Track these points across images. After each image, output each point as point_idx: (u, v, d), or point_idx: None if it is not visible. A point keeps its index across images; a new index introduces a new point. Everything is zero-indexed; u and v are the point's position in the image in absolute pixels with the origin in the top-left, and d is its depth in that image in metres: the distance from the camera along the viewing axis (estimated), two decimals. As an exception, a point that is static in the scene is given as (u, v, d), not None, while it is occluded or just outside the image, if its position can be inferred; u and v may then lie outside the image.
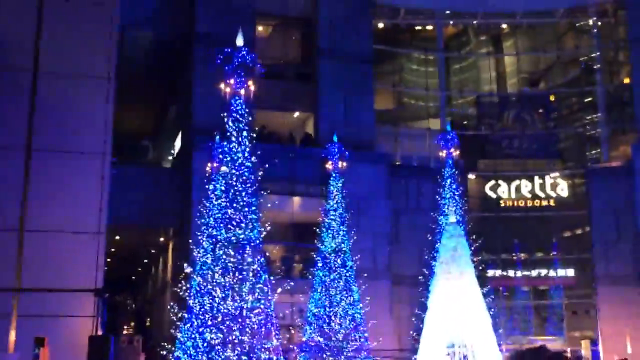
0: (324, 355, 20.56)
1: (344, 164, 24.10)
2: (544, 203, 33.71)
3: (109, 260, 25.48)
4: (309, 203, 28.25)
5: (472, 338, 22.60)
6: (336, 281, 22.04)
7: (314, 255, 23.24)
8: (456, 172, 26.18)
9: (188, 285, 17.21)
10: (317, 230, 23.50)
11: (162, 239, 32.69)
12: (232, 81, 17.86)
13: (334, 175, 23.88)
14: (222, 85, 18.14)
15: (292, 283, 22.19)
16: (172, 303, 18.61)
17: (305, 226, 26.84)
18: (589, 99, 36.37)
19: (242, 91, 18.08)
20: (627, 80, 34.56)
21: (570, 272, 32.32)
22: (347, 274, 22.40)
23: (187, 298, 16.80)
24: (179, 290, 17.93)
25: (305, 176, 27.99)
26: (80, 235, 17.51)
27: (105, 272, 18.58)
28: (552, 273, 32.29)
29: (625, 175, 30.75)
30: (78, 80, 18.39)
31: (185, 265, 17.96)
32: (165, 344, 18.20)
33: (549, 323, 31.61)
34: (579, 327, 31.65)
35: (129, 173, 26.95)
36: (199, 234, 17.71)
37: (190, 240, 19.47)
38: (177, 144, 33.08)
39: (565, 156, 36.08)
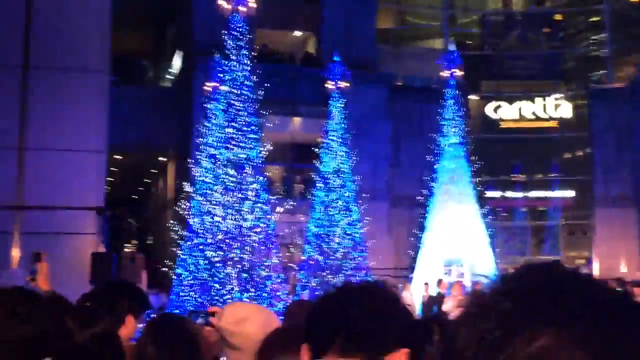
0: (323, 273, 20.94)
1: (346, 84, 23.88)
2: (546, 124, 33.57)
3: (110, 179, 25.66)
4: (309, 123, 28.16)
5: (469, 256, 22.99)
6: (336, 201, 22.22)
7: (314, 176, 23.34)
8: (458, 93, 25.97)
9: (189, 205, 17.36)
10: (318, 150, 23.52)
11: (162, 159, 32.77)
12: (231, -2, 17.50)
13: (334, 95, 23.70)
14: (221, 2, 17.78)
15: (292, 203, 22.40)
16: (173, 222, 18.84)
17: (305, 147, 26.83)
18: (596, 18, 35.67)
19: (243, 8, 17.74)
20: (634, -1, 33.86)
21: (570, 194, 32.50)
22: (347, 195, 22.55)
23: (188, 217, 16.98)
24: (179, 210, 18.11)
25: (306, 96, 27.78)
26: (81, 154, 17.53)
27: (106, 191, 18.72)
28: (551, 194, 32.50)
29: (629, 96, 30.49)
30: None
31: (186, 184, 18.06)
32: (167, 261, 18.52)
33: (545, 243, 32.02)
34: (575, 247, 32.09)
35: (128, 93, 26.77)
36: (198, 153, 17.73)
37: (191, 160, 19.51)
38: (176, 63, 32.69)
39: (569, 77, 35.68)
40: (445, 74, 26.06)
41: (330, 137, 23.08)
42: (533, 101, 33.68)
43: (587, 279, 0.83)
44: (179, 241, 17.15)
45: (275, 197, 20.19)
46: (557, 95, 33.89)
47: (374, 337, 1.61)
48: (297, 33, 32.27)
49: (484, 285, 0.89)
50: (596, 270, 24.10)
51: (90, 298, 3.88)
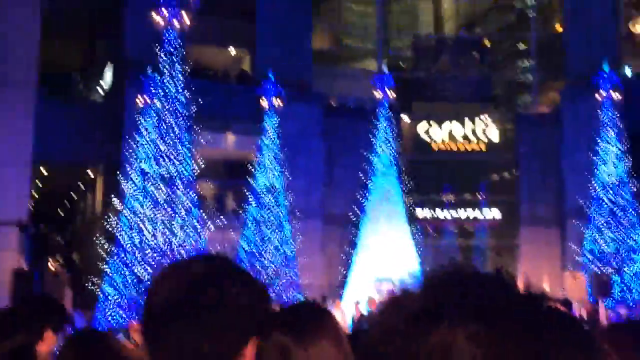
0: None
1: (280, 102, 23.96)
2: (475, 147, 34.42)
3: (36, 195, 24.89)
4: (243, 140, 28.05)
5: (400, 274, 23.24)
6: (268, 218, 22.17)
7: (247, 193, 23.25)
8: (391, 113, 26.39)
9: (117, 220, 17.00)
10: (251, 167, 23.45)
11: (91, 175, 32.02)
12: (165, 12, 17.36)
13: (269, 113, 23.73)
14: (155, 17, 17.62)
15: (224, 219, 22.22)
16: (101, 238, 18.40)
17: (239, 163, 26.71)
18: (523, 46, 36.93)
19: (176, 23, 17.62)
20: (559, 29, 35.20)
21: (496, 214, 33.36)
22: (280, 212, 22.54)
23: (117, 233, 16.62)
24: (108, 225, 17.71)
25: (240, 113, 27.68)
26: (5, 169, 16.98)
27: (32, 206, 18.15)
28: (478, 214, 33.27)
29: (553, 122, 31.59)
30: (3, 8, 17.53)
31: (115, 200, 17.70)
32: (94, 278, 18.04)
33: (473, 262, 32.70)
34: (500, 265, 32.91)
35: (58, 107, 26.10)
36: (129, 168, 17.43)
37: (120, 174, 19.14)
38: (108, 77, 32.11)
39: (497, 101, 36.75)
40: (378, 94, 26.47)
41: (263, 154, 23.07)
42: (462, 124, 34.50)
43: (495, 282, 0.85)
44: (106, 258, 16.76)
45: (206, 214, 20.00)
46: (485, 119, 34.83)
47: None
48: (232, 50, 32.20)
49: (398, 287, 0.91)
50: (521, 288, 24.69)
51: (7, 312, 3.75)
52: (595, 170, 24.88)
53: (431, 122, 34.50)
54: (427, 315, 0.80)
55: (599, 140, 25.02)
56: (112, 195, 18.89)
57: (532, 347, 0.76)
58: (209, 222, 19.46)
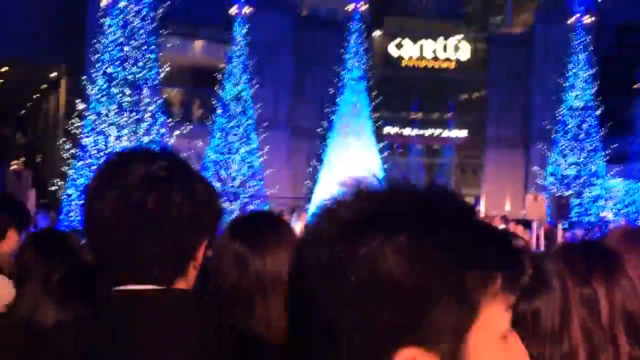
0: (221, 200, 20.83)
1: (250, 9, 23.33)
2: (445, 65, 34.24)
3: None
4: (211, 47, 27.46)
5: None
6: (236, 128, 21.98)
7: (215, 102, 22.92)
8: (362, 27, 25.94)
9: (81, 123, 16.66)
10: (219, 76, 23.03)
11: (54, 74, 31.16)
12: None
13: (239, 20, 23.13)
14: None
15: (190, 127, 21.96)
16: (64, 140, 18.08)
17: (207, 71, 26.20)
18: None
19: None
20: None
21: (463, 133, 33.59)
22: (247, 122, 22.34)
23: (80, 136, 16.32)
24: (71, 128, 17.37)
25: (209, 19, 26.91)
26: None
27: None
28: (446, 133, 33.46)
29: (525, 43, 31.47)
30: None
31: (79, 102, 17.27)
32: (57, 180, 17.83)
33: (438, 180, 33.04)
34: (466, 185, 33.34)
35: (17, 2, 25.02)
36: (93, 70, 16.95)
37: (85, 77, 18.62)
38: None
39: (470, 20, 36.33)
40: (350, 7, 25.94)
41: (232, 63, 22.62)
42: (435, 41, 34.17)
43: (431, 196, 0.86)
44: (70, 160, 16.51)
45: (173, 121, 19.72)
46: (458, 37, 34.51)
47: None
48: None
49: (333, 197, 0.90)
50: (483, 207, 25.24)
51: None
52: (563, 93, 25.01)
53: (403, 37, 34.09)
54: (357, 225, 0.80)
55: (568, 64, 25.04)
56: (76, 98, 18.42)
57: (454, 258, 0.78)
58: (175, 129, 19.22)
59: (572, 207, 21.03)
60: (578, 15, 25.01)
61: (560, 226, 19.16)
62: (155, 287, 1.28)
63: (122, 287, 1.29)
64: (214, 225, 1.38)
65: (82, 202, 1.34)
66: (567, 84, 24.98)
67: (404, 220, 0.80)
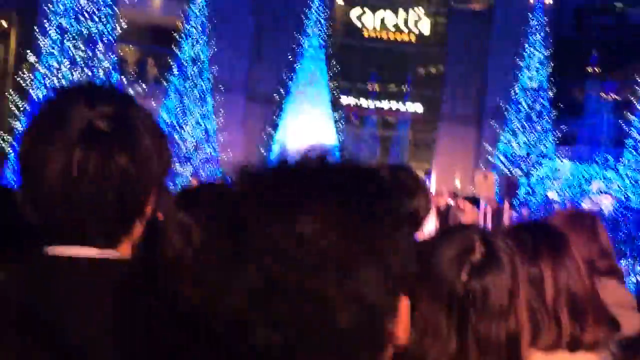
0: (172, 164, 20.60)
1: (211, -32, 22.88)
2: (405, 38, 34.29)
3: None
4: (170, 5, 26.88)
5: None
6: (191, 90, 21.66)
7: (170, 61, 22.52)
8: (325, -7, 25.75)
9: (32, 76, 16.20)
10: (177, 35, 22.60)
11: (3, 22, 30.12)
12: None
13: (199, -22, 22.67)
14: None
15: (145, 87, 21.57)
16: (13, 92, 17.56)
17: (164, 30, 25.67)
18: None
19: None
20: None
21: (419, 108, 33.82)
22: (203, 84, 22.04)
23: (30, 89, 15.88)
24: (20, 80, 16.88)
25: (168, -24, 26.35)
26: None
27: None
28: (401, 107, 33.63)
29: (484, 20, 31.69)
30: None
31: (29, 53, 16.75)
32: (4, 133, 17.36)
33: (391, 153, 33.35)
34: (418, 159, 33.67)
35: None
36: (46, 22, 16.43)
37: (36, 29, 18.04)
38: None
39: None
40: (313, -28, 25.68)
41: (190, 23, 22.20)
42: (396, 13, 34.15)
43: (342, 165, 0.88)
44: (18, 113, 16.07)
45: (127, 79, 19.33)
46: (418, 10, 34.55)
47: None
48: None
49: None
50: (434, 182, 25.54)
51: None
52: (518, 73, 25.33)
53: (365, 8, 33.96)
54: (291, 203, 0.80)
55: (525, 44, 25.33)
56: (27, 49, 17.86)
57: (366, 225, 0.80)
58: (129, 88, 18.86)
59: (520, 187, 21.48)
60: (537, -4, 25.27)
61: (507, 205, 19.57)
62: (91, 252, 1.23)
63: (56, 251, 1.23)
64: (162, 177, 1.32)
65: (18, 151, 1.26)
66: (522, 63, 25.30)
67: (329, 194, 0.81)
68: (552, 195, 22.84)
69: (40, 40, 16.41)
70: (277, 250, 0.77)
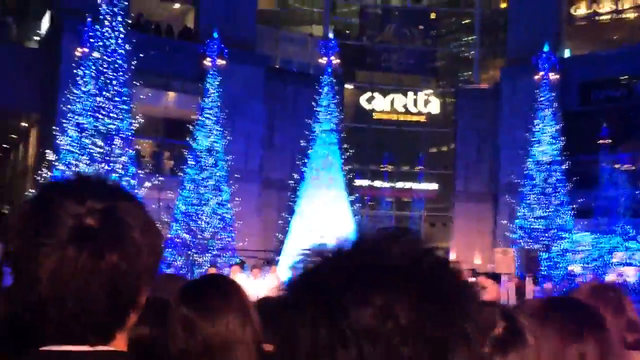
0: (189, 252, 20.62)
1: (223, 62, 23.58)
2: (415, 118, 34.78)
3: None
4: (184, 99, 27.55)
5: (336, 241, 23.40)
6: (207, 180, 21.93)
7: (186, 153, 22.91)
8: (334, 80, 26.32)
9: (50, 174, 16.50)
10: (191, 127, 23.08)
11: (24, 124, 30.93)
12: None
13: (211, 72, 23.34)
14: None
15: (161, 179, 21.87)
16: (32, 191, 17.84)
17: (179, 122, 26.23)
18: (467, 20, 37.28)
19: (120, -27, 17.03)
20: (503, 6, 35.65)
21: (433, 186, 33.91)
22: (218, 174, 22.31)
23: (49, 186, 16.13)
24: (40, 178, 17.18)
25: (182, 71, 27.11)
26: None
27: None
28: (415, 186, 33.76)
29: (492, 97, 32.13)
30: None
31: (48, 152, 17.14)
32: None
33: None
34: (435, 238, 33.44)
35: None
36: (64, 121, 16.88)
37: (56, 127, 18.53)
38: (45, 24, 30.87)
39: (439, 74, 37.14)
40: (323, 60, 26.34)
41: (204, 115, 22.72)
42: (405, 95, 34.78)
43: (407, 242, 0.89)
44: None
45: (144, 172, 19.62)
46: (427, 91, 35.18)
47: None
48: (177, 5, 31.40)
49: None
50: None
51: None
52: (530, 148, 25.49)
53: (374, 91, 34.64)
54: (361, 282, 0.82)
55: (535, 119, 25.59)
56: (46, 148, 18.28)
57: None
58: (146, 181, 19.13)
59: (541, 261, 21.24)
60: (542, 73, 25.69)
61: (529, 279, 19.30)
62: (85, 348, 1.22)
63: (49, 347, 1.22)
64: (155, 268, 1.30)
65: (8, 253, 1.24)
66: (533, 138, 25.48)
67: (405, 275, 0.83)
68: (573, 268, 22.53)
69: (60, 138, 16.80)
70: (376, 334, 0.78)
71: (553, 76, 25.86)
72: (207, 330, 1.99)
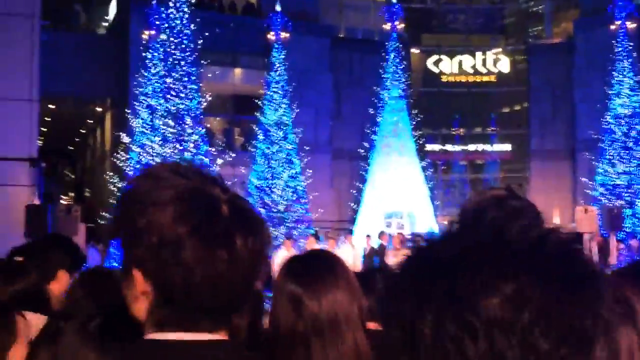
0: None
1: (287, 35, 23.56)
2: (485, 79, 33.95)
3: (44, 129, 24.83)
4: (250, 75, 27.74)
5: (409, 208, 23.30)
6: (277, 154, 22.10)
7: (256, 128, 23.11)
8: (400, 45, 25.95)
9: (127, 156, 16.96)
10: (259, 102, 23.25)
11: (99, 109, 31.87)
12: (169, -59, 16.89)
13: (276, 46, 23.37)
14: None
15: (233, 155, 22.17)
16: (111, 174, 18.41)
17: (246, 98, 26.48)
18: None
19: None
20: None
21: (507, 147, 33.18)
22: (289, 147, 22.45)
23: (126, 168, 16.60)
24: (117, 161, 17.69)
25: (247, 47, 27.27)
26: (13, 103, 16.81)
27: (41, 141, 18.10)
28: (489, 148, 33.10)
29: (566, 52, 31.02)
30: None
31: (124, 135, 17.60)
32: (105, 214, 18.14)
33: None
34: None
35: (61, 39, 25.72)
36: (136, 103, 17.28)
37: (128, 111, 18.99)
38: (112, 9, 31.56)
39: (509, 32, 36.03)
40: (387, 26, 25.98)
41: (271, 89, 22.83)
42: (473, 55, 33.97)
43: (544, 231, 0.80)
44: (117, 193, 16.78)
45: (215, 149, 19.93)
46: (496, 50, 34.24)
47: None
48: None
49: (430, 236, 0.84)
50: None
51: (21, 252, 3.70)
52: (608, 101, 24.52)
53: (441, 54, 33.98)
54: (488, 271, 0.75)
55: (612, 72, 24.57)
56: (121, 131, 18.78)
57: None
58: (218, 158, 19.42)
59: (625, 218, 20.50)
60: (619, 22, 24.56)
61: (613, 237, 18.69)
62: (206, 336, 1.21)
63: (168, 336, 1.20)
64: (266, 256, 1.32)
65: (147, 226, 1.19)
66: (612, 91, 24.50)
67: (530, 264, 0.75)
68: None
69: (133, 121, 17.22)
70: (509, 325, 0.72)
71: (630, 25, 24.68)
72: (315, 307, 1.93)
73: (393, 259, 14.78)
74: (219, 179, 1.29)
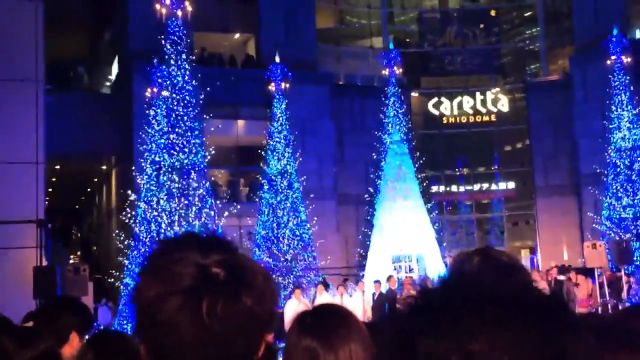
0: (274, 276, 20.84)
1: (287, 85, 23.87)
2: (486, 118, 34.19)
3: (50, 190, 25.04)
4: (253, 126, 28.02)
5: (417, 251, 23.23)
6: (283, 203, 22.18)
7: (260, 178, 23.25)
8: (399, 90, 26.25)
9: (133, 213, 17.06)
10: (262, 152, 23.44)
11: (104, 167, 32.13)
12: (167, 1, 17.28)
13: (277, 96, 23.67)
14: (157, 6, 17.55)
15: (238, 207, 22.25)
16: (118, 231, 18.49)
17: (250, 149, 26.69)
18: (529, 13, 36.50)
19: (179, 12, 17.55)
20: (566, -6, 34.74)
21: (511, 185, 33.21)
22: (294, 195, 22.53)
23: (133, 225, 16.68)
24: (124, 218, 17.78)
25: (249, 99, 27.62)
26: (19, 166, 17.02)
27: (47, 202, 18.24)
28: (493, 187, 33.14)
29: (563, 88, 31.29)
30: (5, 3, 17.48)
31: (129, 192, 17.73)
32: (113, 271, 18.15)
33: (491, 235, 32.62)
34: (519, 237, 32.75)
35: (65, 101, 26.13)
36: (141, 160, 17.45)
37: (133, 167, 19.17)
38: (114, 69, 32.09)
39: (506, 71, 36.43)
40: (386, 71, 26.32)
41: (274, 139, 23.03)
42: (472, 96, 34.27)
43: (520, 285, 0.87)
44: (124, 250, 16.83)
45: (221, 202, 20.03)
46: (495, 90, 34.56)
47: None
48: (237, 35, 32.06)
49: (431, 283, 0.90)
50: (540, 258, 24.66)
51: (34, 316, 3.76)
52: (609, 135, 24.65)
53: (441, 96, 34.31)
54: (458, 323, 0.81)
55: (611, 105, 24.75)
56: (127, 188, 18.94)
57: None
58: (224, 210, 19.50)
59: (634, 251, 20.39)
60: (614, 57, 24.84)
61: (623, 271, 18.58)
62: None
63: None
64: (275, 314, 1.35)
65: (133, 305, 1.29)
66: (612, 125, 24.64)
67: (505, 318, 0.81)
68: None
69: (138, 177, 17.37)
70: None
71: (626, 59, 24.95)
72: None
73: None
74: (215, 245, 1.31)
